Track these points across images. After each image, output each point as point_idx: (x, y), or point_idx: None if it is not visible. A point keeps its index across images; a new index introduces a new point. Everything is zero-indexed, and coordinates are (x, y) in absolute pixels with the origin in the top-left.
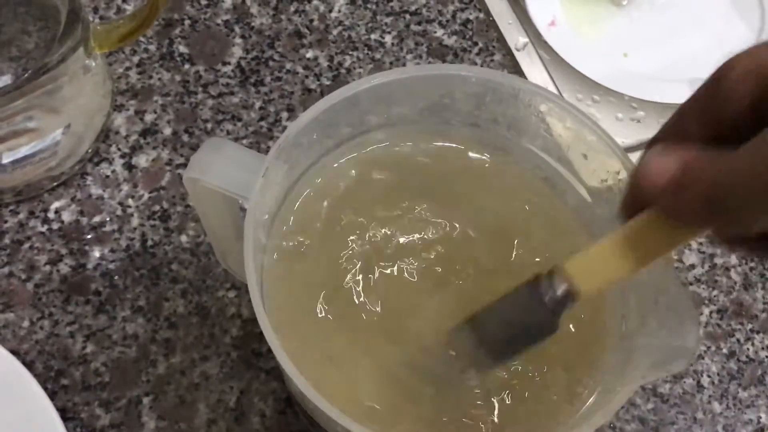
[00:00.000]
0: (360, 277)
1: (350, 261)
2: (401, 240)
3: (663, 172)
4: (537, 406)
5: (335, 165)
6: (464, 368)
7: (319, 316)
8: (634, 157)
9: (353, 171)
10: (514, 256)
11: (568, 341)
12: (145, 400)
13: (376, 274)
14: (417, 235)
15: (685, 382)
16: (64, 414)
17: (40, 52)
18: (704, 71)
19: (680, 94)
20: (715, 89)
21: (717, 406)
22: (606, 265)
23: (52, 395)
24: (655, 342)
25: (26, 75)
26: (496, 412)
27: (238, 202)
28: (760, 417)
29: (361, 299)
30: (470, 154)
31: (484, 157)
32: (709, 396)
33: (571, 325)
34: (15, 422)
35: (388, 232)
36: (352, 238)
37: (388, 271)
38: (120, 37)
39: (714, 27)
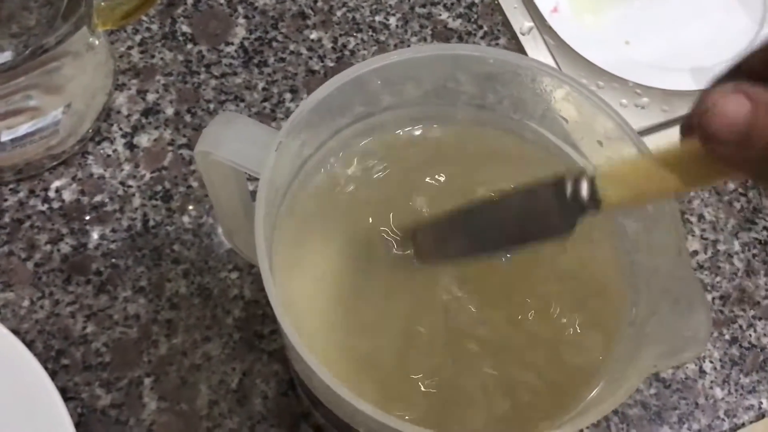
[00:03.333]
0: (371, 254)
1: (362, 239)
2: (413, 217)
3: (731, 115)
4: (545, 393)
5: (347, 143)
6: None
7: (331, 293)
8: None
9: (364, 150)
10: None
11: (577, 327)
12: (147, 381)
13: (389, 249)
14: (429, 210)
15: (687, 367)
16: (65, 394)
17: (42, 28)
18: (706, 60)
19: (683, 81)
20: None
21: (719, 392)
22: (637, 181)
23: (52, 375)
24: (665, 331)
25: (27, 52)
26: (503, 402)
27: (246, 178)
28: (762, 402)
29: (373, 278)
30: (481, 134)
31: (495, 138)
32: (711, 381)
33: (581, 312)
34: (15, 402)
35: (400, 210)
36: (364, 216)
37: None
38: (124, 15)
39: (715, 16)
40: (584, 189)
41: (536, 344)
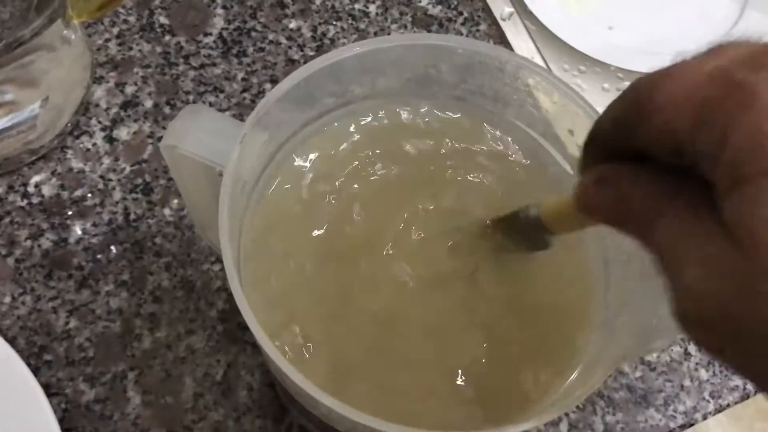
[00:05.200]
0: (342, 245)
1: (331, 230)
2: (384, 209)
3: (601, 207)
4: (516, 381)
5: (317, 135)
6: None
7: (303, 286)
8: None
9: (335, 142)
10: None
11: (550, 316)
12: (131, 375)
13: (357, 241)
14: (400, 204)
15: (672, 350)
16: (48, 390)
17: (16, 21)
18: (688, 44)
19: (665, 66)
20: (637, 118)
21: (704, 373)
22: (569, 215)
23: (35, 371)
24: (637, 320)
25: (1, 46)
26: (474, 389)
27: (217, 171)
28: (747, 383)
29: (345, 269)
30: (454, 127)
31: (468, 130)
32: (696, 363)
33: (557, 296)
34: None
35: (371, 202)
36: (333, 208)
37: (370, 236)
38: (98, 6)
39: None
40: (531, 218)
41: (511, 331)
